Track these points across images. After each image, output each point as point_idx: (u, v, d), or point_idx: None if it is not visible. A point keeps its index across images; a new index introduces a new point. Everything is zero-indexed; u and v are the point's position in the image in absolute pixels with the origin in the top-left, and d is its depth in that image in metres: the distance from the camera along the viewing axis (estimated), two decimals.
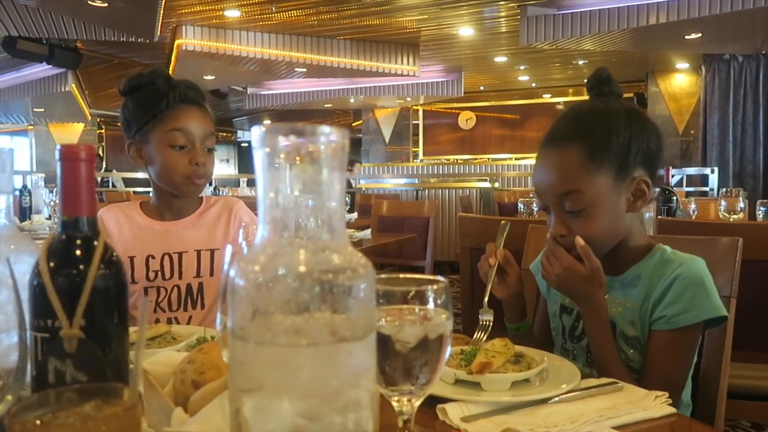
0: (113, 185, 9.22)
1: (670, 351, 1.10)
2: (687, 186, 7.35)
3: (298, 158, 0.49)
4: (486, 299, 1.16)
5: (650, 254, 1.17)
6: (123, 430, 0.45)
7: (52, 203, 4.13)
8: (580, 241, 1.10)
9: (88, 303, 0.57)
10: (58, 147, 0.59)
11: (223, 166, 16.60)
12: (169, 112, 1.47)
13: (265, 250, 0.49)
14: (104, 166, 12.69)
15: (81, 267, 0.59)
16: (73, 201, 0.60)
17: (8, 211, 0.66)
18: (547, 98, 11.64)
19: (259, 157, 0.50)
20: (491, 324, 1.10)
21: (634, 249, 1.19)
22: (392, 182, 8.76)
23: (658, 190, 2.78)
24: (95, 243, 0.60)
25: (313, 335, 0.48)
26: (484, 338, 1.08)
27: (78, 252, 0.60)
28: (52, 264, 0.59)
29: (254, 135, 0.49)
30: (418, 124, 12.52)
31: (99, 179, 9.59)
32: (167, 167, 1.49)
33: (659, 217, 2.48)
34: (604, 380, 0.96)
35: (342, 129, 0.51)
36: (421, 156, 12.49)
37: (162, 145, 1.48)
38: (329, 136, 0.50)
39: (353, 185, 7.93)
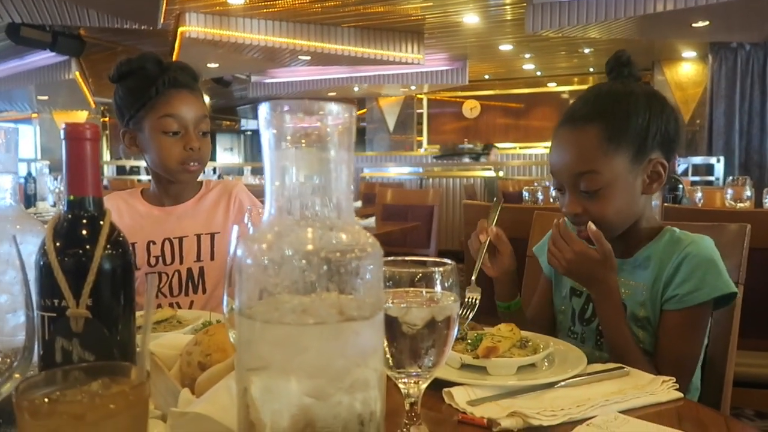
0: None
1: (682, 330, 1.10)
2: (692, 175, 7.31)
3: (305, 137, 0.49)
4: (474, 276, 1.15)
5: (659, 236, 1.18)
6: (130, 408, 0.45)
7: (56, 190, 4.13)
8: (592, 226, 1.11)
9: (94, 283, 0.57)
10: (63, 126, 0.59)
11: (227, 155, 16.59)
12: (160, 98, 1.46)
13: (273, 228, 0.49)
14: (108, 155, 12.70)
15: (87, 247, 0.59)
16: (78, 180, 0.59)
17: (14, 192, 0.66)
18: (552, 87, 11.57)
19: (265, 135, 0.49)
20: (478, 302, 1.09)
21: (644, 231, 1.19)
22: (396, 171, 8.75)
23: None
24: (101, 223, 0.60)
25: (320, 314, 0.47)
26: (471, 316, 1.07)
27: (84, 232, 0.60)
28: (58, 244, 0.59)
29: (261, 113, 0.49)
30: (422, 113, 12.47)
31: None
32: (162, 154, 1.48)
33: (665, 204, 2.47)
34: (610, 365, 0.96)
35: (350, 106, 0.50)
36: (425, 145, 12.45)
37: (155, 132, 1.47)
38: (337, 114, 0.49)
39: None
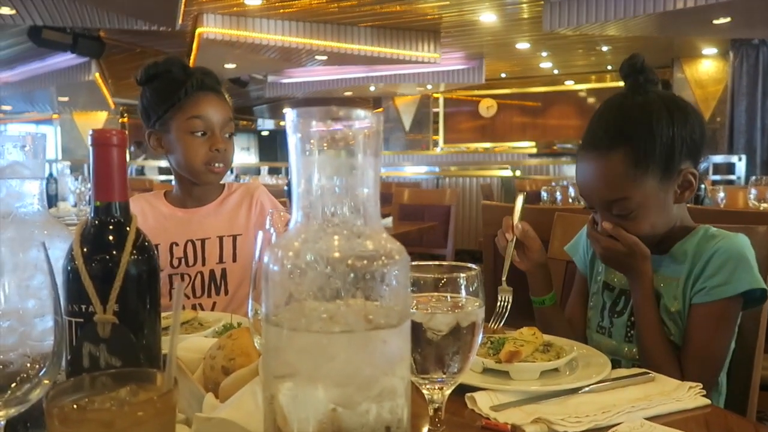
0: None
1: (709, 324, 1.09)
2: (713, 174, 7.21)
3: (331, 142, 0.49)
4: (504, 276, 1.15)
5: (694, 232, 1.17)
6: (158, 415, 0.45)
7: (77, 191, 4.18)
8: (606, 225, 1.11)
9: (121, 288, 0.58)
10: (91, 132, 0.59)
11: (244, 155, 16.68)
12: (188, 99, 1.49)
13: (299, 235, 0.49)
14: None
15: (114, 252, 0.59)
16: (105, 186, 0.60)
17: (41, 197, 0.66)
18: (569, 85, 11.48)
19: (292, 141, 0.49)
20: (510, 303, 1.09)
21: (679, 230, 1.19)
22: (412, 170, 8.73)
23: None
24: (127, 228, 0.60)
25: (348, 322, 0.47)
26: (506, 315, 1.07)
27: (111, 237, 0.60)
28: (85, 249, 0.59)
29: (288, 119, 0.49)
30: (438, 112, 12.44)
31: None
32: (188, 155, 1.50)
33: (687, 205, 2.43)
34: (635, 370, 0.95)
35: (376, 113, 0.50)
36: (441, 144, 12.42)
37: (182, 133, 1.50)
38: (364, 121, 0.49)
39: None
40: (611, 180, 1.12)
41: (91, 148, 0.60)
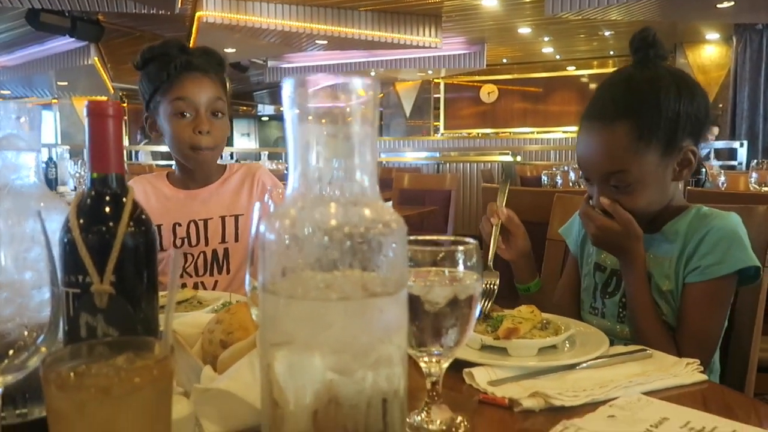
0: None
1: (703, 303, 1.09)
2: (715, 160, 7.19)
3: (328, 112, 0.48)
4: (490, 261, 1.14)
5: (687, 211, 1.17)
6: (155, 382, 0.45)
7: (77, 175, 4.18)
8: (604, 200, 1.11)
9: (118, 259, 0.57)
10: (86, 103, 0.59)
11: (244, 140, 16.64)
12: (173, 81, 1.47)
13: (296, 203, 0.49)
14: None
15: (110, 224, 0.59)
16: (101, 157, 0.59)
17: (38, 170, 0.66)
18: (571, 71, 11.41)
19: (288, 110, 0.49)
20: (497, 287, 1.08)
21: (673, 209, 1.18)
22: (413, 156, 8.71)
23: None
24: (124, 200, 0.60)
25: (345, 290, 0.47)
26: (489, 305, 1.06)
27: (107, 209, 0.60)
28: (81, 221, 0.59)
29: (285, 88, 0.48)
30: (439, 98, 12.39)
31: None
32: (174, 137, 1.50)
33: (688, 188, 2.43)
34: (633, 347, 0.95)
35: (374, 81, 0.49)
36: (442, 130, 12.38)
37: (169, 116, 1.49)
38: (361, 89, 0.49)
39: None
40: (613, 151, 1.11)
41: (86, 120, 0.59)
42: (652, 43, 1.14)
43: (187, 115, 1.48)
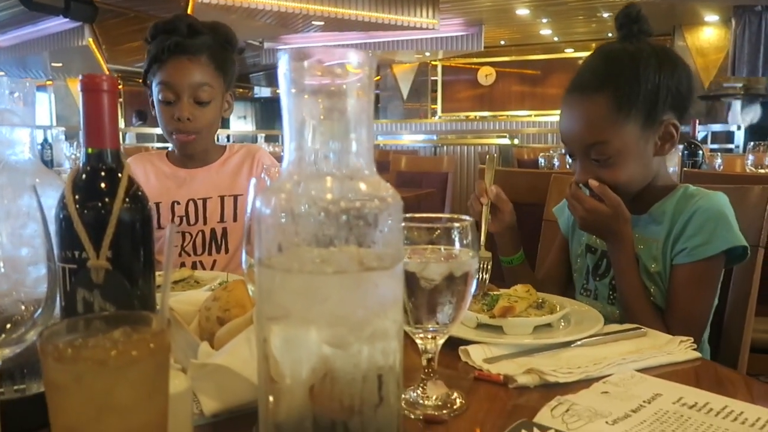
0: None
1: (691, 284, 1.10)
2: (711, 143, 7.19)
3: (325, 85, 0.48)
4: (483, 241, 1.15)
5: (674, 192, 1.17)
6: (152, 355, 0.46)
7: (72, 156, 4.16)
8: (593, 182, 1.11)
9: (114, 235, 0.57)
10: (80, 77, 0.58)
11: (240, 123, 16.54)
12: (161, 65, 1.46)
13: (291, 178, 0.49)
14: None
15: (106, 199, 0.59)
16: (96, 132, 0.59)
17: (32, 145, 0.66)
18: (569, 53, 11.35)
19: (284, 83, 0.48)
20: (490, 267, 1.09)
21: (659, 189, 1.18)
22: (410, 138, 8.69)
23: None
24: (119, 175, 0.60)
25: (340, 264, 0.47)
26: (487, 279, 1.07)
27: (103, 184, 0.60)
28: (77, 196, 0.59)
29: (281, 60, 0.48)
30: (436, 81, 12.33)
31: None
32: (160, 121, 1.51)
33: (684, 169, 2.43)
34: (627, 326, 0.96)
35: (370, 56, 0.49)
36: (439, 113, 12.33)
37: (156, 98, 1.49)
38: (358, 63, 0.48)
39: None
40: (593, 121, 1.11)
41: (81, 95, 0.59)
42: (635, 19, 1.14)
43: (170, 101, 1.46)
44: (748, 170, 2.77)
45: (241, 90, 15.96)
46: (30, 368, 0.65)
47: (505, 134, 8.10)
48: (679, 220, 1.11)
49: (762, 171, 2.68)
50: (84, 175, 0.60)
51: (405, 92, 12.37)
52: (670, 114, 1.12)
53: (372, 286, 0.48)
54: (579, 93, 1.14)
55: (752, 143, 2.82)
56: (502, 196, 1.22)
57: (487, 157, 1.26)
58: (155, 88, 1.48)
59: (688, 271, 1.09)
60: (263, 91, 16.04)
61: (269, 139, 8.41)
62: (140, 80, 1.59)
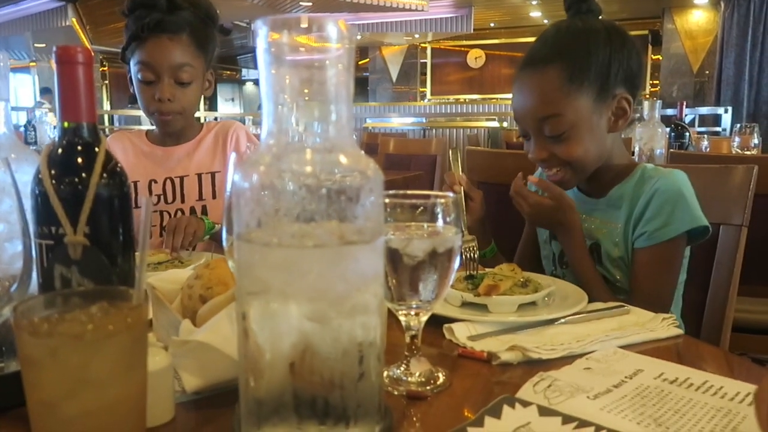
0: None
1: (653, 267, 1.10)
2: (699, 126, 7.22)
3: (302, 54, 0.47)
4: (465, 227, 1.14)
5: (632, 174, 1.17)
6: (129, 329, 0.45)
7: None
8: (533, 178, 1.14)
9: (91, 210, 0.56)
10: (54, 49, 0.57)
11: (228, 106, 16.40)
12: (140, 43, 1.42)
13: (270, 150, 0.48)
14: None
15: (83, 174, 0.58)
16: (72, 106, 0.58)
17: (7, 120, 0.64)
18: None
19: (261, 52, 0.47)
20: (477, 250, 1.08)
21: (617, 169, 1.18)
22: (399, 121, 8.65)
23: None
24: (96, 150, 0.59)
25: (320, 237, 0.47)
26: (477, 258, 1.07)
27: (79, 159, 0.59)
28: (53, 171, 0.57)
29: (258, 29, 0.47)
30: (426, 63, 12.26)
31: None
32: (140, 100, 1.48)
33: (671, 150, 2.44)
34: (611, 303, 0.96)
35: (350, 24, 0.48)
36: (428, 96, 12.28)
37: (135, 77, 1.46)
38: (337, 33, 0.48)
39: None
40: (545, 94, 1.10)
41: (56, 67, 0.58)
42: None
43: (150, 81, 1.43)
44: (734, 152, 2.78)
45: (228, 72, 15.80)
46: (8, 346, 0.64)
47: (494, 117, 8.09)
48: (638, 204, 1.11)
49: (748, 152, 2.70)
50: (60, 150, 0.59)
51: (394, 75, 12.30)
52: (622, 89, 1.12)
53: (352, 260, 0.48)
54: (530, 67, 1.13)
55: (738, 125, 2.84)
56: (471, 186, 1.22)
57: (450, 150, 1.26)
58: (134, 67, 1.44)
59: (649, 254, 1.10)
60: (251, 73, 15.90)
61: (257, 122, 8.34)
62: None
